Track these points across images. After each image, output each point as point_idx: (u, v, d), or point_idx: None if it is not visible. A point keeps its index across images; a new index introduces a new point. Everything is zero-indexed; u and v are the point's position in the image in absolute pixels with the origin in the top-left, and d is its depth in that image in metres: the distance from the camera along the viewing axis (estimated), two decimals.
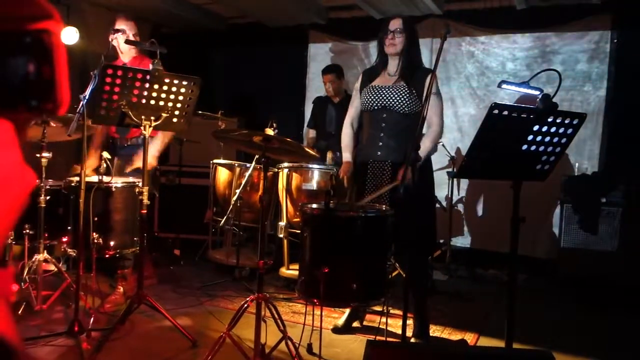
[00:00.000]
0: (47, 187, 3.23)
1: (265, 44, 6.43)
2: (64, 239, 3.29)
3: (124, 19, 3.68)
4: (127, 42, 3.28)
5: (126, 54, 3.74)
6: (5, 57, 0.45)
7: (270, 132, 2.68)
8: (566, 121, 2.00)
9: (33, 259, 3.22)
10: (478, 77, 5.42)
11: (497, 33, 5.31)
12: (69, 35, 4.65)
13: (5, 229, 0.44)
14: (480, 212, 5.41)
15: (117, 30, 2.90)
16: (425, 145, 2.95)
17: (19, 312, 3.10)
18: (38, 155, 3.08)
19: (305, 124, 6.08)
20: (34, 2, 0.44)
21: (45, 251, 3.25)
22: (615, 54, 4.87)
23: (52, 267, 3.35)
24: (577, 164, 4.94)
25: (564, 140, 2.07)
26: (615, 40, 4.86)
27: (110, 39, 3.49)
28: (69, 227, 3.27)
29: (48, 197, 3.21)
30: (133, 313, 2.97)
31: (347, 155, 3.26)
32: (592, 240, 4.39)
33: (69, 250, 3.26)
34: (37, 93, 0.46)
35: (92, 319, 2.98)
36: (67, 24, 4.67)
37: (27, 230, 3.23)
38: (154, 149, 3.66)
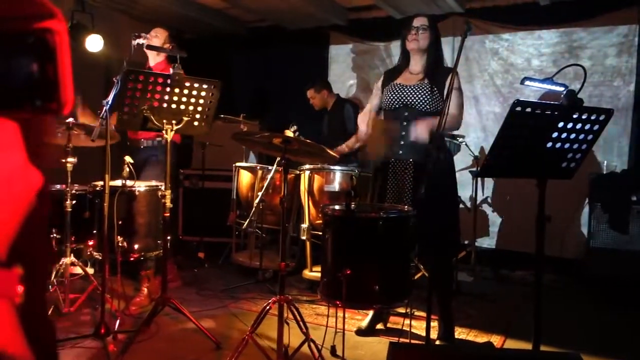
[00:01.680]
0: (73, 191, 3.29)
1: (286, 47, 6.45)
2: (90, 243, 3.34)
3: (158, 28, 3.78)
4: (148, 47, 3.32)
5: (153, 59, 3.81)
6: (9, 57, 0.45)
7: (290, 133, 2.68)
8: (592, 117, 1.95)
9: (60, 263, 3.28)
10: (502, 74, 5.33)
11: (521, 30, 5.22)
12: (94, 43, 4.76)
13: (8, 229, 0.44)
14: (505, 212, 5.32)
15: (138, 36, 2.95)
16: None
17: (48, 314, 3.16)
18: (63, 160, 3.14)
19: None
20: (36, 2, 0.44)
21: (72, 255, 3.31)
22: None
23: (79, 270, 3.41)
24: (605, 162, 4.81)
25: (590, 137, 2.01)
26: None
27: (132, 45, 3.55)
28: (95, 231, 3.32)
29: (74, 202, 3.27)
30: (158, 315, 3.01)
31: (365, 129, 3.26)
32: (622, 240, 4.27)
33: (95, 253, 3.32)
34: (41, 93, 0.46)
35: (118, 321, 3.02)
36: (92, 31, 4.78)
37: (54, 234, 3.29)
38: None
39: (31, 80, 0.45)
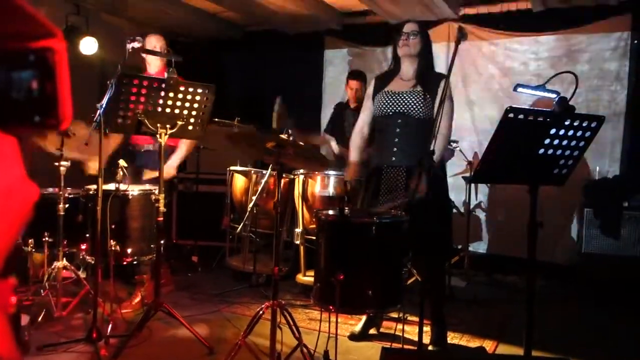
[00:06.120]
0: (66, 195, 3.27)
1: (281, 51, 6.46)
2: (83, 247, 3.32)
3: (153, 35, 3.78)
4: (144, 51, 3.32)
5: (153, 65, 3.80)
6: (10, 75, 0.46)
7: (284, 137, 2.68)
8: (584, 124, 1.97)
9: (52, 267, 3.26)
10: (499, 79, 5.33)
11: (514, 37, 5.25)
12: (88, 45, 4.76)
13: (7, 241, 0.45)
14: (498, 217, 5.34)
15: (133, 40, 2.95)
16: (437, 148, 2.90)
17: (39, 319, 3.15)
18: (57, 164, 3.12)
19: (322, 130, 6.10)
20: (37, 21, 0.45)
21: (64, 258, 3.29)
22: (635, 54, 4.78)
23: (71, 274, 3.39)
24: (597, 168, 4.84)
25: (582, 143, 2.03)
26: (636, 41, 4.77)
27: (127, 48, 3.55)
28: (87, 235, 3.31)
29: (67, 206, 3.25)
30: (151, 320, 2.99)
31: (354, 155, 3.24)
32: (614, 245, 4.29)
33: (87, 257, 3.30)
34: (41, 109, 0.48)
35: (110, 326, 3.00)
36: (86, 34, 4.77)
37: (47, 238, 3.27)
38: (176, 158, 3.73)
39: (31, 96, 0.47)
